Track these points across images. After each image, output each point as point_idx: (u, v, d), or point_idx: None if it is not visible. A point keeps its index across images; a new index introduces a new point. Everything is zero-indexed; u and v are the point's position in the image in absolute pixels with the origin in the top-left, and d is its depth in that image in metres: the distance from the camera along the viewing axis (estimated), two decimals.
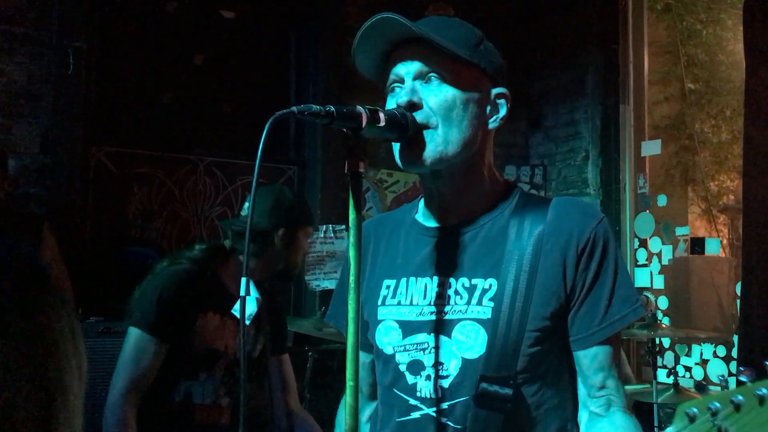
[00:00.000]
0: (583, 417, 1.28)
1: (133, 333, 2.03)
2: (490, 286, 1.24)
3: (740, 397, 0.77)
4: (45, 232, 2.89)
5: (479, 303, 1.24)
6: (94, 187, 3.83)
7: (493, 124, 1.30)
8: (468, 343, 1.23)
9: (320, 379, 3.61)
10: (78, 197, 3.59)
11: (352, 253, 1.10)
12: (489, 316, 1.22)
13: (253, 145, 1.03)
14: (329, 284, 4.14)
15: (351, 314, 1.09)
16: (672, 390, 3.29)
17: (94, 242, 3.78)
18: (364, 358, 1.43)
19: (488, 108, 1.29)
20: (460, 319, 1.24)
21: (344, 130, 1.11)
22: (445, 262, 1.29)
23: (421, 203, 1.40)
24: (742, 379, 0.78)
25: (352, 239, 1.11)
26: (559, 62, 4.80)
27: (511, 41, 4.86)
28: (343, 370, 1.09)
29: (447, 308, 1.26)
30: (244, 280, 1.03)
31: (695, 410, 0.79)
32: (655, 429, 3.23)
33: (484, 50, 1.29)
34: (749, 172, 3.34)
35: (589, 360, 1.24)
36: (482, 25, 1.38)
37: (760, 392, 0.76)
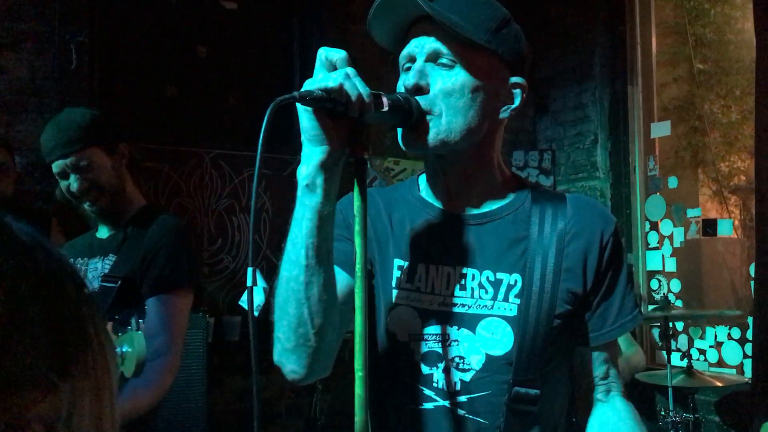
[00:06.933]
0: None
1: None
2: (516, 282, 1.23)
3: None
4: (53, 228, 2.88)
5: (505, 299, 1.22)
6: None
7: (503, 113, 1.24)
8: (493, 339, 1.21)
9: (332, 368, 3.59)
10: None
11: (357, 241, 1.07)
12: (515, 314, 1.21)
13: (258, 135, 1.00)
14: None
15: (358, 303, 1.06)
16: (685, 374, 3.28)
17: None
18: (348, 281, 1.23)
19: (501, 97, 1.23)
20: (485, 315, 1.22)
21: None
22: (468, 253, 1.25)
23: (422, 181, 1.34)
24: None
25: (357, 227, 1.08)
26: (565, 45, 4.74)
27: (517, 24, 4.81)
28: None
29: (471, 302, 1.23)
30: (249, 270, 1.00)
31: None
32: (670, 412, 3.21)
33: (506, 35, 1.22)
34: (761, 150, 3.29)
35: (596, 355, 1.31)
36: None
37: None
